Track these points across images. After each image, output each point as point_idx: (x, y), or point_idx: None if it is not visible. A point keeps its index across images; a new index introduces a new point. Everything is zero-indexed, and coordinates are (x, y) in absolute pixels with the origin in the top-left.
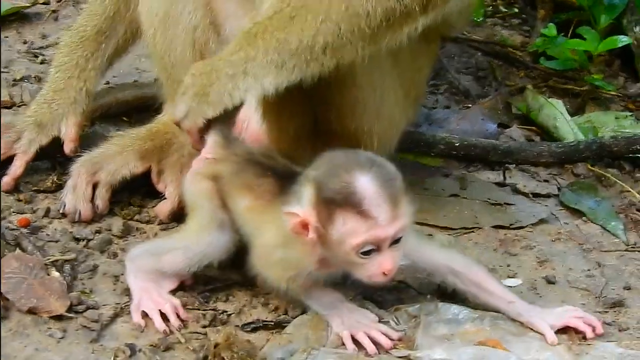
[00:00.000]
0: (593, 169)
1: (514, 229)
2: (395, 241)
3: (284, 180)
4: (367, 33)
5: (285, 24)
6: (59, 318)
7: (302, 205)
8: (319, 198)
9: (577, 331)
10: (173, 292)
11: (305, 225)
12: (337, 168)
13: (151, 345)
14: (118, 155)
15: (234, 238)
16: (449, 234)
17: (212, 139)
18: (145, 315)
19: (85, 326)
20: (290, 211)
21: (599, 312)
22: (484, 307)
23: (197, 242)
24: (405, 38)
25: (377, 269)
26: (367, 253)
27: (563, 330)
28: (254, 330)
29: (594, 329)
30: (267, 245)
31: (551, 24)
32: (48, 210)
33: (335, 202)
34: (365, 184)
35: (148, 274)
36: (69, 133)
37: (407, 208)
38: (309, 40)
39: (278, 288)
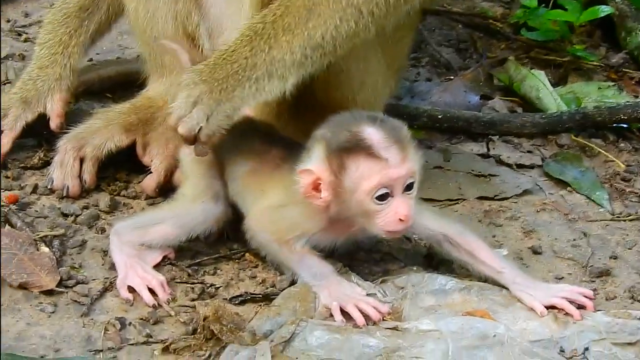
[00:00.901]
0: (577, 139)
1: (499, 199)
2: (408, 187)
3: (288, 150)
4: (382, 13)
5: (306, 18)
6: (49, 293)
7: (312, 162)
8: (330, 150)
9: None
10: (161, 265)
11: (317, 186)
12: (344, 123)
13: (141, 319)
14: (103, 129)
15: (226, 212)
16: (434, 206)
17: None
18: (132, 289)
19: (75, 300)
20: (303, 168)
21: (586, 281)
22: (471, 277)
23: (190, 211)
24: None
25: (393, 215)
26: (381, 198)
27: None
28: (242, 302)
29: (583, 307)
30: (271, 205)
31: None
32: (36, 187)
33: (346, 150)
34: (373, 131)
35: (133, 248)
36: (54, 109)
37: (416, 154)
38: (333, 31)
39: (273, 251)
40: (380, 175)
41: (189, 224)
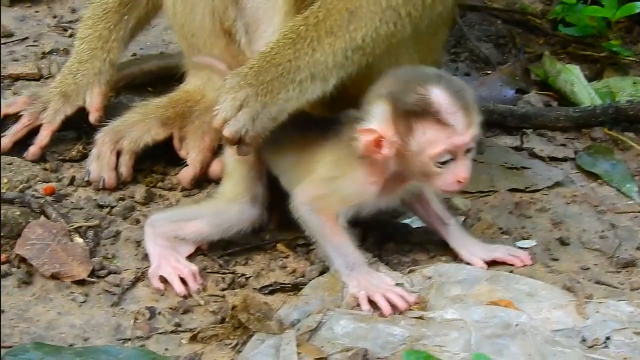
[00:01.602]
0: (610, 132)
1: (530, 192)
2: (468, 150)
3: (325, 128)
4: (418, 13)
5: (347, 21)
6: (81, 283)
7: (377, 121)
8: (396, 112)
9: (578, 293)
10: (193, 255)
11: (378, 143)
12: (409, 83)
13: (170, 308)
14: (140, 123)
15: (262, 214)
16: (466, 197)
17: None
18: (164, 279)
19: (106, 290)
20: (366, 127)
21: (612, 271)
22: (498, 267)
23: (226, 211)
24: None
25: (452, 178)
26: (444, 162)
27: (571, 289)
28: (272, 292)
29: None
30: (322, 178)
31: None
32: (73, 179)
33: (414, 113)
34: (441, 95)
35: (167, 240)
36: (93, 103)
37: (479, 117)
38: (372, 33)
39: (314, 227)
40: (447, 142)
41: (224, 224)
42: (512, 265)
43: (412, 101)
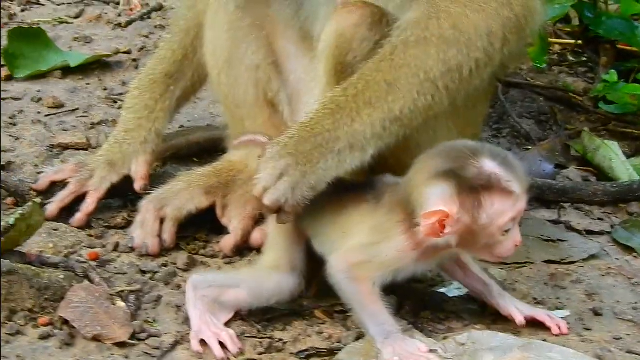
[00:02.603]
0: None
1: (565, 264)
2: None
3: (360, 191)
4: (455, 87)
5: (386, 92)
6: (122, 345)
7: (442, 202)
8: (460, 189)
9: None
10: (232, 320)
11: (441, 223)
12: (461, 158)
13: None
14: (184, 191)
15: (301, 284)
16: (502, 268)
17: None
18: (204, 343)
19: (146, 353)
20: (432, 210)
21: None
22: (532, 335)
23: (267, 281)
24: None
25: (511, 243)
26: (507, 230)
27: (603, 359)
28: (308, 357)
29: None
30: (361, 244)
31: (612, 70)
32: (117, 245)
33: (478, 187)
34: (495, 165)
35: (207, 304)
36: (139, 171)
37: (528, 179)
38: (411, 105)
39: (350, 294)
40: (513, 210)
41: (265, 293)
42: (548, 328)
43: (473, 176)
